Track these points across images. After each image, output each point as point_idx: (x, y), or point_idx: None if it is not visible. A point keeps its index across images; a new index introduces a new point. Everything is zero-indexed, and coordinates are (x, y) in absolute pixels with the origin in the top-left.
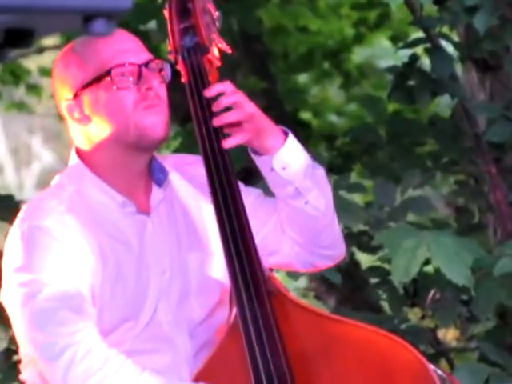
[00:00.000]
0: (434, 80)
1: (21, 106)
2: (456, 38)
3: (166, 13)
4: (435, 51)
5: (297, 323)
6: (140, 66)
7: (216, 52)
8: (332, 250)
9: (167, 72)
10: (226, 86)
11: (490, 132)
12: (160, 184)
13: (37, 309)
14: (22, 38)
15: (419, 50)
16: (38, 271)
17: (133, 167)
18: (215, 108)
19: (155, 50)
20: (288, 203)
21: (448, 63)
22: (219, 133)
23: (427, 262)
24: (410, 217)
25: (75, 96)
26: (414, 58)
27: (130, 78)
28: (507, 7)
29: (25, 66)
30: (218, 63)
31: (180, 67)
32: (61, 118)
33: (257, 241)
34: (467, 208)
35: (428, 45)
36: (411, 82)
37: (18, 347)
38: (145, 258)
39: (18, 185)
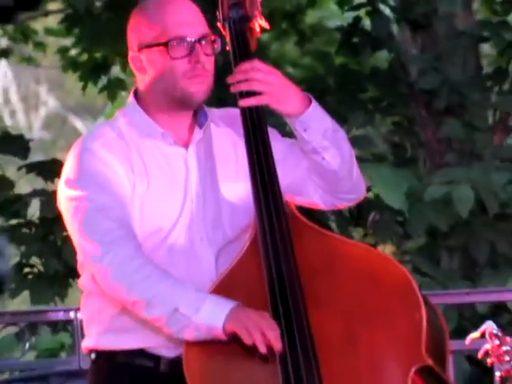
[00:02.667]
0: (374, 38)
1: (29, 60)
2: (393, 3)
3: None
4: (375, 14)
5: (306, 240)
6: (194, 42)
7: (257, 26)
8: (350, 195)
9: (218, 45)
10: (255, 63)
11: (421, 80)
12: (201, 126)
13: (84, 220)
14: (29, 2)
15: (362, 12)
16: (84, 188)
17: (176, 113)
18: (241, 78)
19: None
20: (308, 156)
21: (385, 24)
22: (251, 93)
23: (369, 189)
24: (355, 152)
25: (138, 50)
26: (358, 20)
27: (183, 51)
28: None
29: (32, 26)
30: (258, 35)
31: (226, 35)
32: (63, 69)
33: (287, 181)
34: (402, 144)
35: (369, 8)
36: (355, 40)
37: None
38: (179, 182)
39: (28, 126)
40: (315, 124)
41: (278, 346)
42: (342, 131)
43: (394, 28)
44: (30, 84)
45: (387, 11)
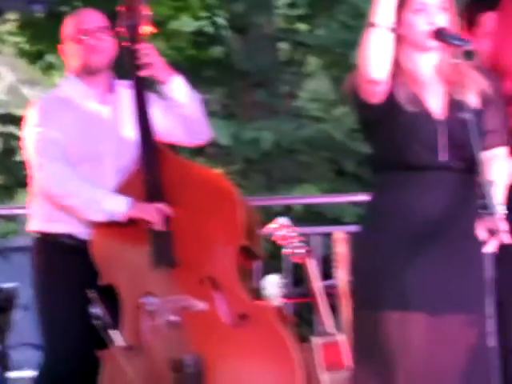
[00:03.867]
0: (214, 37)
1: None
2: (224, 16)
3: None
4: (214, 23)
5: (170, 164)
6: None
7: (145, 29)
8: (201, 136)
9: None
10: (148, 46)
11: (242, 65)
12: (113, 91)
13: (40, 147)
14: None
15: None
16: (42, 127)
17: (94, 78)
18: (139, 57)
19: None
20: (175, 110)
21: (220, 29)
22: (138, 67)
23: None
24: None
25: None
26: (203, 26)
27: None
28: None
29: None
30: (146, 35)
31: (125, 35)
32: (18, 55)
33: (162, 127)
34: (229, 105)
35: (210, 19)
36: (201, 39)
37: None
38: (101, 131)
39: None
40: (178, 88)
41: (162, 222)
42: (195, 93)
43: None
44: None
45: (222, 21)
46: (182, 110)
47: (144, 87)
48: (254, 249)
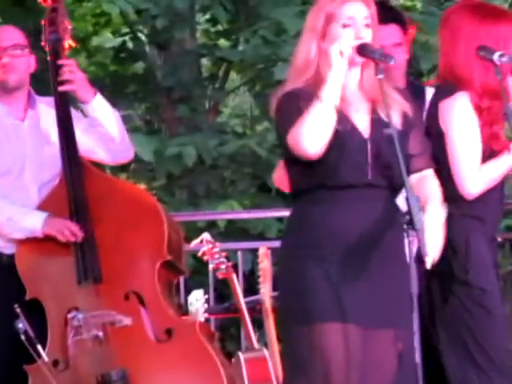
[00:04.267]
0: (134, 53)
1: None
2: (146, 32)
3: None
4: (135, 38)
5: (93, 180)
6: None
7: (66, 44)
8: (124, 154)
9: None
10: (70, 62)
11: (163, 81)
12: (32, 107)
13: None
14: None
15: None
16: None
17: (12, 95)
18: (61, 72)
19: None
20: (96, 129)
21: (142, 44)
22: (60, 83)
23: None
24: None
25: None
26: (124, 42)
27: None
28: None
29: None
30: (67, 49)
31: (47, 50)
32: None
33: (85, 146)
34: (151, 121)
35: (131, 35)
36: (122, 55)
37: None
38: (20, 148)
39: None
40: (99, 107)
41: (79, 235)
42: (116, 112)
43: (147, 47)
44: None
45: (143, 37)
46: (103, 129)
47: (67, 102)
48: (178, 264)
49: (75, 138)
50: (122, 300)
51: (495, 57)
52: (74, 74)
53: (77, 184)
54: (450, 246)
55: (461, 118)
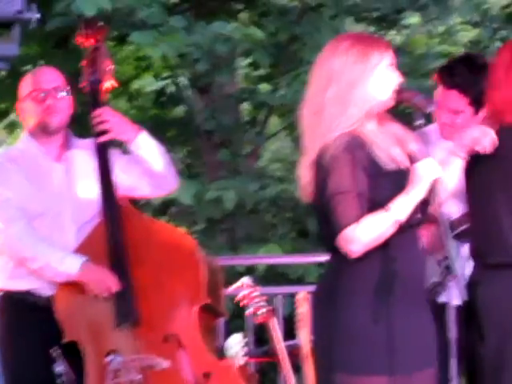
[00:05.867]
0: (176, 97)
1: None
2: (187, 76)
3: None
4: (176, 83)
5: (132, 221)
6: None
7: (107, 85)
8: (167, 187)
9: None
10: (105, 110)
11: (204, 124)
12: (69, 148)
13: None
14: None
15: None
16: None
17: (51, 137)
18: (96, 121)
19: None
20: (141, 165)
21: (183, 88)
22: (101, 132)
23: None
24: None
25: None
26: (166, 86)
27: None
28: None
29: None
30: (108, 90)
31: (86, 91)
32: None
33: (127, 184)
34: (192, 164)
35: (173, 79)
36: (163, 99)
37: None
38: (57, 190)
39: None
40: (143, 144)
41: (113, 289)
42: (163, 147)
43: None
44: None
45: (184, 81)
46: (148, 165)
47: (106, 147)
48: (216, 307)
49: (114, 182)
50: (161, 343)
51: None
52: (107, 123)
53: (116, 227)
54: None
55: None
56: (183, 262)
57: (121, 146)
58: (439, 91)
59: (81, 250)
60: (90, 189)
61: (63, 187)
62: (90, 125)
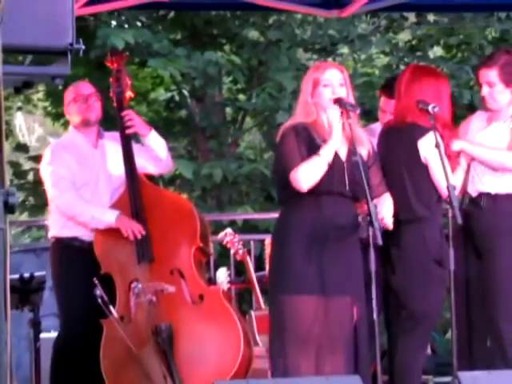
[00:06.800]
0: (180, 104)
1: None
2: (187, 88)
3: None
4: (180, 94)
5: (148, 190)
6: (87, 96)
7: (128, 94)
8: (168, 168)
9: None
10: (129, 111)
11: (201, 123)
12: (101, 138)
13: (53, 180)
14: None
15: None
16: (53, 165)
17: (89, 129)
18: (125, 121)
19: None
20: (150, 152)
21: (185, 98)
22: (126, 127)
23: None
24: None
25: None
26: (172, 96)
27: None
28: None
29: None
30: (129, 98)
31: (114, 98)
32: (46, 115)
33: (140, 163)
34: (192, 152)
35: (178, 90)
36: (172, 105)
37: None
38: (95, 167)
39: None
40: (153, 139)
41: (140, 234)
42: (164, 141)
43: (188, 100)
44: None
45: (186, 92)
46: (155, 153)
47: (129, 138)
48: (206, 249)
49: (135, 162)
50: (168, 274)
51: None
52: (133, 121)
53: (137, 194)
54: None
55: None
56: (184, 217)
57: (136, 138)
58: (383, 101)
59: (114, 206)
60: (117, 167)
61: (100, 166)
62: (115, 122)
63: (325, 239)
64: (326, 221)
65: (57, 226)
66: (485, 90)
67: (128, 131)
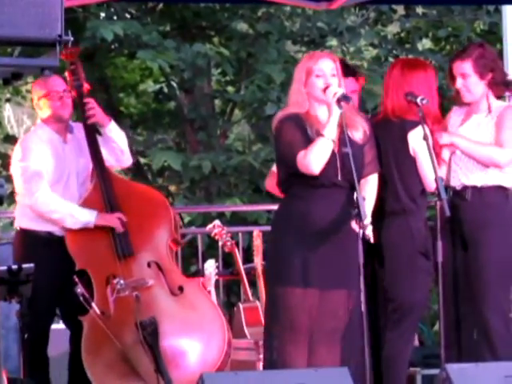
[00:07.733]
0: (169, 96)
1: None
2: (176, 80)
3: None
4: (169, 86)
5: (118, 184)
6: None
7: (85, 87)
8: (130, 161)
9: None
10: (91, 100)
11: (189, 115)
12: (71, 132)
13: (25, 176)
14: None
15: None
16: (26, 162)
17: (60, 124)
18: (86, 109)
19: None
20: (111, 144)
21: (174, 90)
22: (88, 116)
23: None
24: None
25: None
26: (161, 88)
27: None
28: None
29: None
30: (86, 90)
31: (73, 91)
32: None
33: (104, 155)
34: (180, 143)
35: (166, 83)
36: (160, 97)
37: None
38: (65, 161)
39: None
40: (114, 129)
41: (122, 227)
42: (123, 132)
43: (177, 91)
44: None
45: (174, 84)
46: (116, 144)
47: (94, 129)
48: (178, 239)
49: (101, 153)
50: (146, 268)
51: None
52: (94, 110)
53: (108, 188)
54: None
55: None
56: (158, 209)
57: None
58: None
59: (86, 203)
60: (84, 159)
61: (71, 161)
62: (79, 116)
63: (320, 231)
64: (321, 213)
65: (24, 218)
66: (459, 82)
67: (89, 121)
